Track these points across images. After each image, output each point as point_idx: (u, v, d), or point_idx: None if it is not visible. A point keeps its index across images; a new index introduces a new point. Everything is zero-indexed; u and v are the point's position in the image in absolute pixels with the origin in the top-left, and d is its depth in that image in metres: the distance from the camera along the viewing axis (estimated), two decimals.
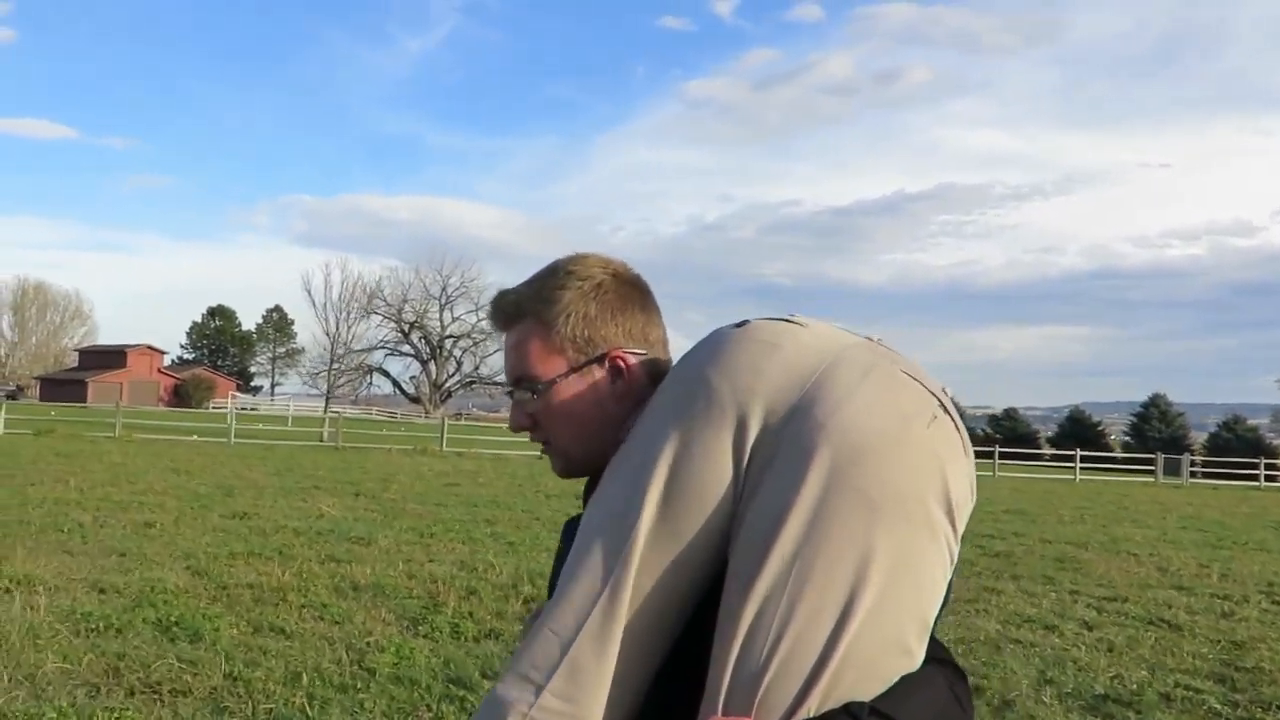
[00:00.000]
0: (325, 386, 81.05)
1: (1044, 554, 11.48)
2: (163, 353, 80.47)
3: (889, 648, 1.09)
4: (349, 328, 78.38)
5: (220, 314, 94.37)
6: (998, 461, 33.45)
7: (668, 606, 1.16)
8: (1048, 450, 47.75)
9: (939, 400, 1.19)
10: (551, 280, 1.35)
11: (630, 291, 1.38)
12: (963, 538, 1.16)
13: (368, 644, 5.69)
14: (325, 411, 44.70)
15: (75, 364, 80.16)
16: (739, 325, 1.25)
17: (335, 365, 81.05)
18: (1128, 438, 52.93)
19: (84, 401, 62.81)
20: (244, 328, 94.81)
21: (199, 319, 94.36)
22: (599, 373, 1.33)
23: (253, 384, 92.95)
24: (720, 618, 1.13)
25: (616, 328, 1.35)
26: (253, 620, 6.11)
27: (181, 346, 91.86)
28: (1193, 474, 35.52)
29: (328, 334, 77.25)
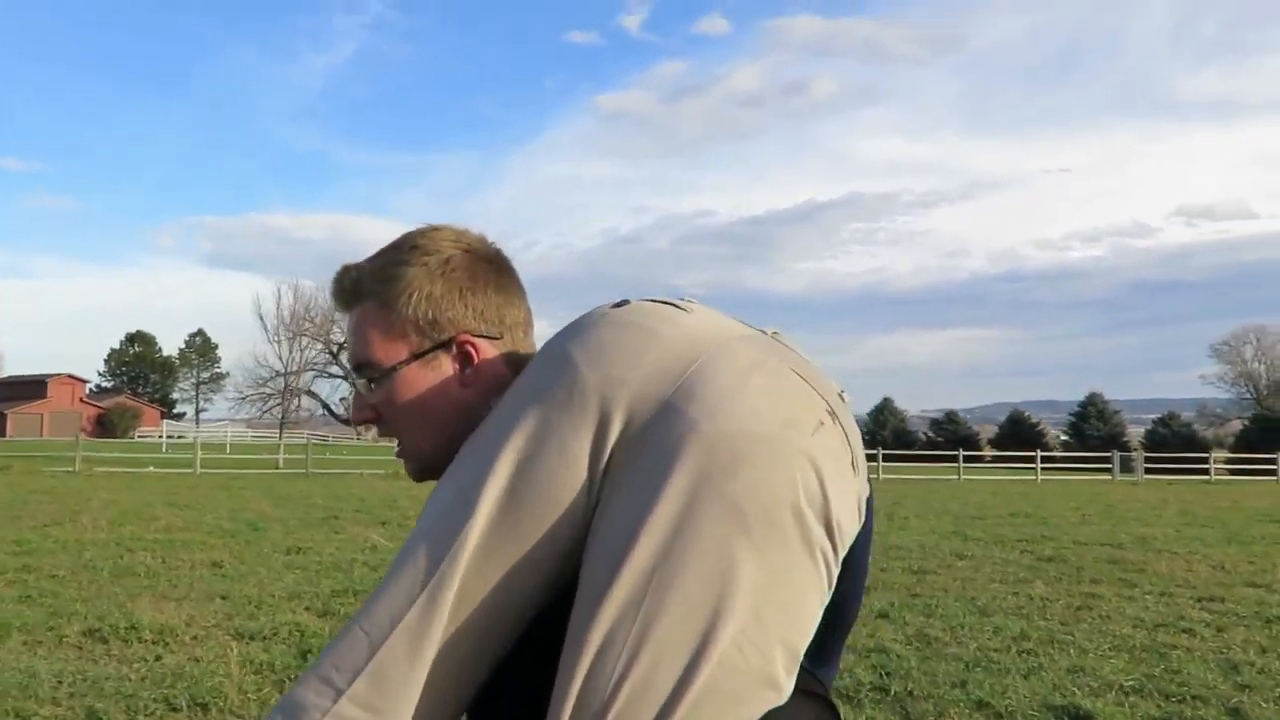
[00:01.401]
0: (252, 412, 79.21)
1: (1094, 556, 11.65)
2: (84, 381, 77.85)
3: (753, 679, 0.98)
4: (300, 350, 76.49)
5: (140, 340, 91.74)
6: (961, 465, 33.95)
7: (498, 616, 1.04)
8: (988, 452, 48.75)
9: (829, 406, 1.08)
10: (395, 256, 1.23)
11: (484, 268, 1.24)
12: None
13: None
14: (280, 438, 43.60)
15: None
16: (617, 305, 1.14)
17: (263, 389, 79.25)
18: (1066, 437, 54.29)
19: (2, 434, 60.46)
20: (164, 353, 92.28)
21: (117, 345, 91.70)
22: (446, 359, 1.21)
23: (174, 410, 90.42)
24: (567, 637, 1.01)
25: (466, 309, 1.22)
26: None
27: (100, 374, 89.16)
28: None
29: (280, 357, 75.25)
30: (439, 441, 1.19)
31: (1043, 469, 34.21)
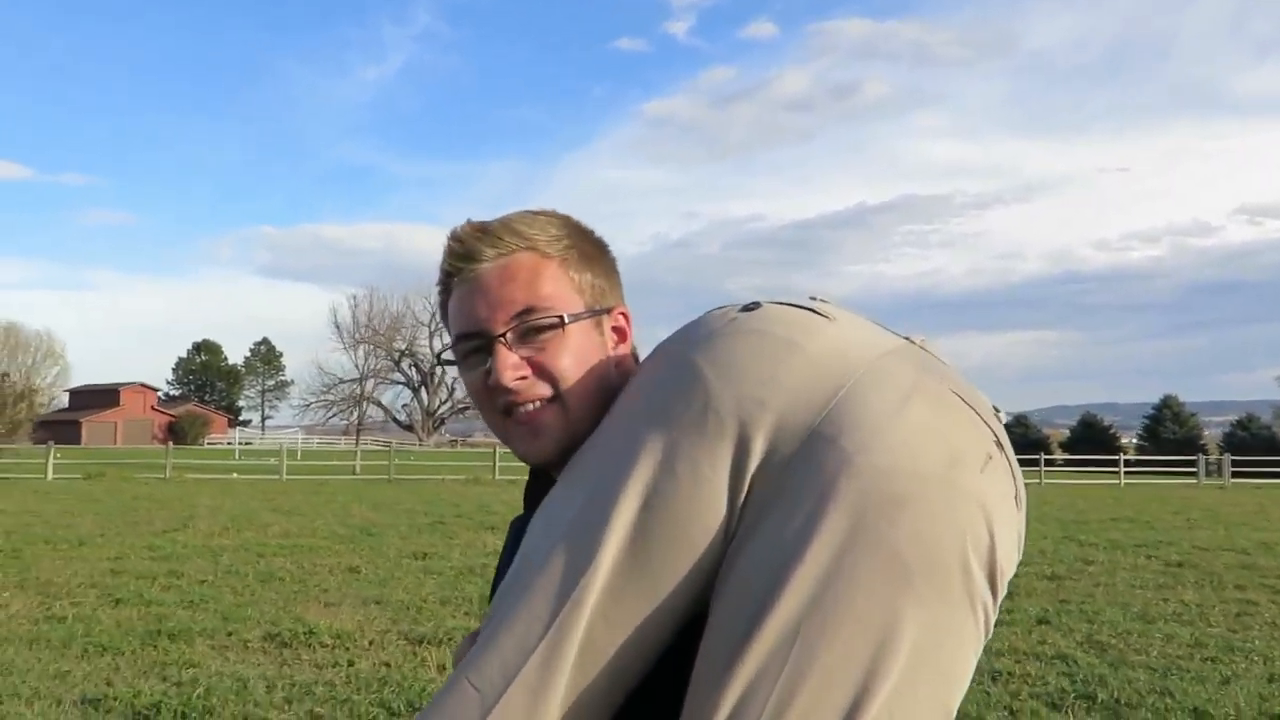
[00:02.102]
0: (316, 419, 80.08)
1: (1224, 562, 11.40)
2: (155, 390, 79.35)
3: None
4: (368, 357, 77.12)
5: (206, 349, 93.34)
6: (1043, 469, 33.47)
7: (625, 667, 0.92)
8: (1060, 456, 48.02)
9: (995, 435, 0.95)
10: (539, 217, 1.11)
11: (609, 253, 1.17)
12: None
13: None
14: (357, 444, 43.99)
15: (66, 404, 78.89)
16: (746, 309, 1.00)
17: (326, 396, 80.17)
18: (1142, 440, 53.30)
19: (78, 442, 61.70)
20: (229, 361, 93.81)
21: (184, 354, 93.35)
22: (607, 329, 1.11)
23: (240, 417, 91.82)
24: (694, 684, 0.90)
25: (618, 287, 1.15)
26: None
27: (168, 382, 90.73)
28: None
29: (356, 365, 75.83)
30: (591, 409, 1.05)
31: (1124, 472, 33.55)
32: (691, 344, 0.98)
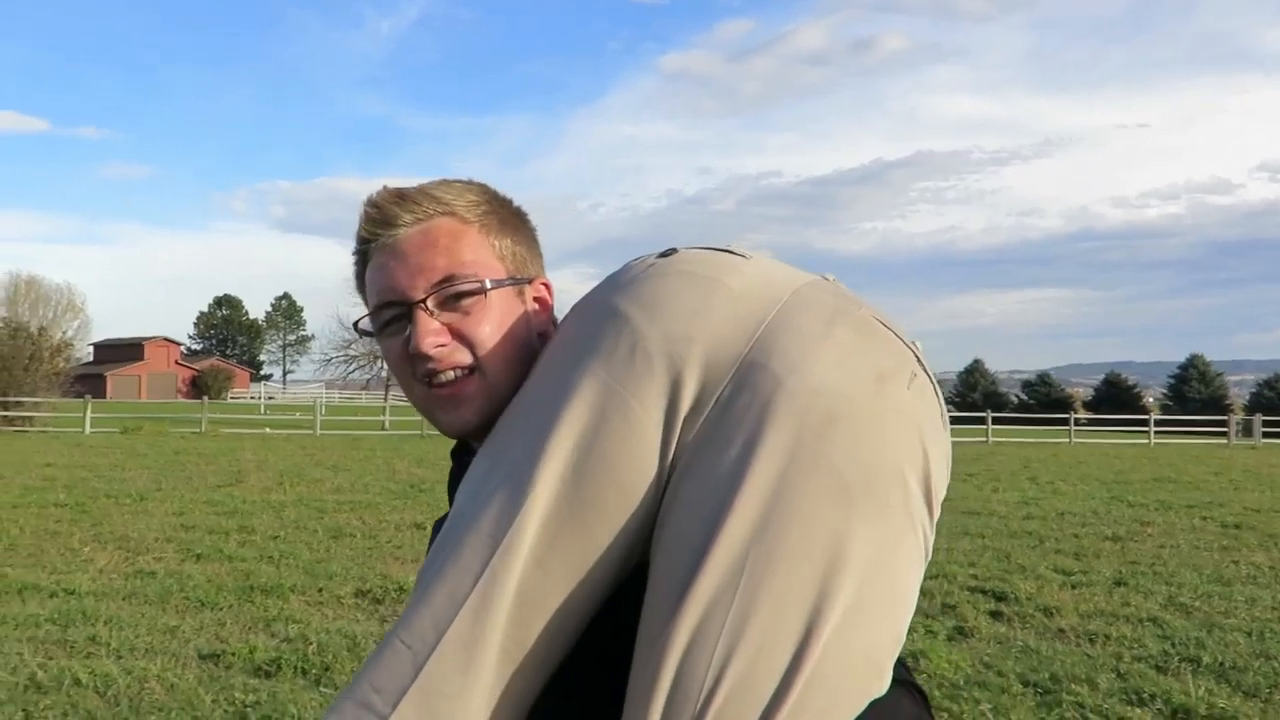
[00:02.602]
0: (336, 374, 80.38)
1: None
2: (179, 344, 79.78)
3: (860, 667, 0.86)
4: None
5: (227, 303, 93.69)
6: (1073, 428, 33.39)
7: (566, 615, 0.91)
8: (1084, 414, 47.92)
9: (917, 356, 0.96)
10: (458, 185, 1.10)
11: (530, 223, 1.16)
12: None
13: None
14: (386, 400, 43.99)
15: (90, 358, 79.41)
16: (664, 254, 1.00)
17: (347, 350, 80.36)
18: (1167, 400, 53.13)
19: (103, 395, 62.11)
20: (250, 316, 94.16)
21: (205, 309, 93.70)
22: (529, 298, 1.10)
23: (261, 372, 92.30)
24: (643, 630, 0.89)
25: (538, 257, 1.14)
26: None
27: (190, 337, 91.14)
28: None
29: None
30: (513, 378, 1.03)
31: (1155, 432, 33.45)
32: (614, 290, 0.98)
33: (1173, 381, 53.40)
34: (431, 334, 1.02)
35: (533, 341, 1.07)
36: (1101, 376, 56.77)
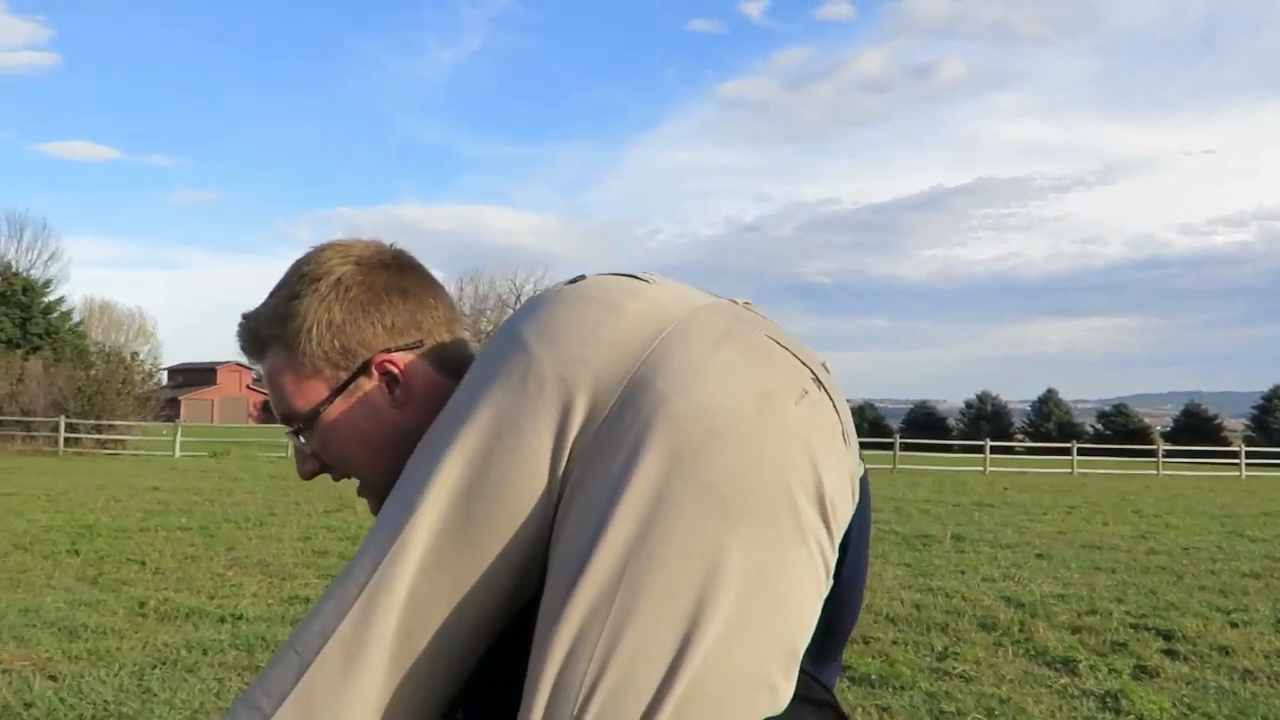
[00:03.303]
0: None
1: None
2: (250, 369, 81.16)
3: (744, 682, 0.86)
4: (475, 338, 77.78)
5: None
6: (1161, 460, 32.65)
7: (455, 626, 0.93)
8: (1168, 446, 46.89)
9: (812, 373, 0.97)
10: (286, 291, 1.12)
11: (383, 277, 1.13)
12: None
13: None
14: None
15: (164, 382, 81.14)
16: (572, 281, 1.03)
17: None
18: (1249, 430, 51.85)
19: (175, 418, 63.35)
20: None
21: None
22: (369, 385, 1.10)
23: None
24: (535, 641, 0.89)
25: (374, 326, 1.10)
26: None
27: None
28: None
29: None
30: (393, 471, 1.05)
31: (1246, 464, 32.61)
32: (521, 317, 1.01)
33: (1255, 412, 52.14)
34: (301, 465, 1.15)
35: (388, 426, 1.10)
36: (1167, 406, 55.61)
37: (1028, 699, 5.03)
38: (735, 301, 1.04)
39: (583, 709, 0.84)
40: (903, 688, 5.17)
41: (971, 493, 19.89)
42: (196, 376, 76.07)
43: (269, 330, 1.12)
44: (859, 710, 4.78)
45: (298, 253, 1.17)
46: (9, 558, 8.64)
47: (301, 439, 1.12)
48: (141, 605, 6.74)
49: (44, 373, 27.45)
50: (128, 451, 26.64)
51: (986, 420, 54.24)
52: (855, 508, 0.99)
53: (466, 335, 1.19)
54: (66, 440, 25.92)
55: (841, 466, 0.95)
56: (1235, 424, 58.85)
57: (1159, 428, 57.32)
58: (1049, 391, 58.10)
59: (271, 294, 1.15)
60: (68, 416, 26.20)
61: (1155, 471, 31.22)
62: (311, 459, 1.13)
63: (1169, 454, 33.14)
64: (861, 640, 6.28)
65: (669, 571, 0.86)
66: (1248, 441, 48.10)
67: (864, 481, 1.03)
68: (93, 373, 28.98)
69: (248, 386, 77.29)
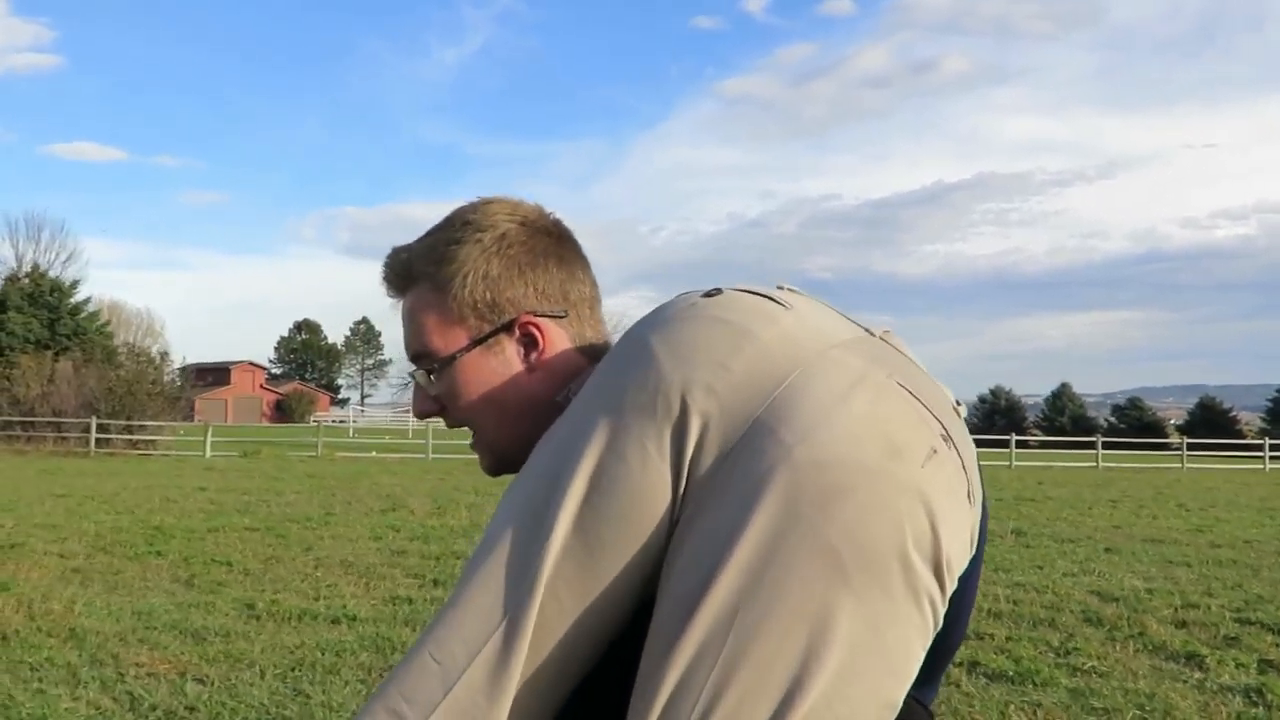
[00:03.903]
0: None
1: None
2: (264, 369, 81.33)
3: None
4: None
5: (306, 328, 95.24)
6: (1185, 454, 32.68)
7: (578, 645, 0.93)
8: (1175, 439, 46.87)
9: (943, 428, 0.94)
10: (446, 234, 1.12)
11: (544, 242, 1.13)
12: None
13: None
14: None
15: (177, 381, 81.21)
16: (708, 295, 1.00)
17: None
18: (1265, 423, 51.82)
19: (190, 418, 63.44)
20: (329, 340, 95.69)
21: (285, 333, 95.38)
22: (509, 344, 1.10)
23: (339, 396, 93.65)
24: (640, 673, 0.90)
25: (527, 287, 1.11)
26: None
27: (270, 361, 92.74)
28: None
29: None
30: (514, 433, 1.09)
31: (1270, 457, 32.61)
32: (652, 327, 0.99)
33: (1269, 405, 52.11)
34: (419, 403, 1.14)
35: (518, 389, 1.10)
36: (1169, 400, 55.65)
37: (1172, 694, 5.05)
38: (873, 333, 1.02)
39: None
40: (1043, 684, 5.19)
41: (1007, 488, 19.89)
42: (210, 376, 76.13)
43: (422, 267, 1.12)
44: (1010, 707, 4.80)
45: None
46: (94, 559, 8.68)
47: (431, 378, 1.12)
48: (250, 606, 6.77)
49: (74, 374, 27.48)
50: (158, 452, 26.68)
51: (1001, 415, 54.21)
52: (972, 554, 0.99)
53: (606, 324, 1.19)
54: (98, 441, 25.98)
55: (963, 526, 0.94)
56: (1245, 417, 58.75)
57: (1174, 421, 57.32)
58: (1063, 385, 58.05)
59: (428, 234, 1.15)
60: (98, 417, 26.25)
61: (1180, 465, 31.23)
62: (432, 401, 1.13)
63: (1191, 447, 33.02)
64: (975, 636, 6.30)
65: (778, 624, 0.86)
66: (1263, 434, 48.12)
67: (983, 524, 1.02)
68: (122, 373, 28.99)
69: (260, 386, 77.41)
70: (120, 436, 26.63)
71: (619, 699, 0.94)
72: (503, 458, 1.13)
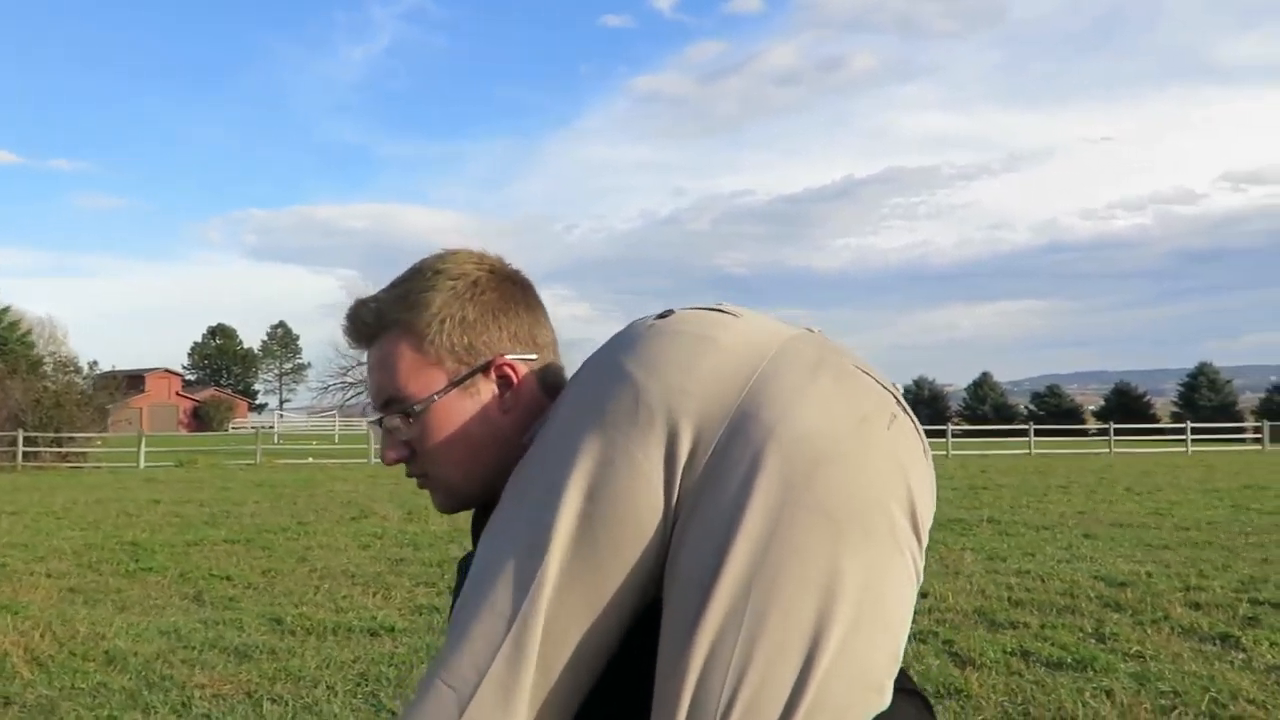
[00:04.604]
0: (334, 401, 79.91)
1: None
2: (180, 375, 79.03)
3: (861, 686, 0.94)
4: None
5: (221, 332, 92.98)
6: (1113, 439, 33.68)
7: (583, 654, 0.98)
8: (1092, 425, 48.32)
9: (896, 398, 1.06)
10: (418, 283, 1.15)
11: (512, 289, 1.19)
12: None
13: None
14: None
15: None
16: (661, 316, 1.09)
17: (344, 377, 79.96)
18: (1176, 407, 53.66)
19: (104, 428, 61.50)
20: (244, 345, 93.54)
21: (199, 339, 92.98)
22: (484, 385, 1.14)
23: (257, 402, 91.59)
24: (661, 663, 0.96)
25: (500, 330, 1.16)
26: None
27: (184, 368, 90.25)
28: None
29: None
30: (473, 472, 1.13)
31: (1191, 441, 33.78)
32: (615, 350, 1.05)
33: (1182, 390, 53.99)
34: (388, 449, 1.14)
35: (491, 428, 1.13)
36: (1074, 386, 57.34)
37: (1229, 675, 5.21)
38: (810, 330, 1.09)
39: (727, 712, 0.89)
40: (1104, 670, 5.32)
41: (955, 476, 20.29)
42: (124, 383, 73.72)
43: (395, 314, 1.14)
44: (1086, 694, 4.91)
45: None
46: (85, 578, 8.38)
47: (407, 422, 1.13)
48: (278, 621, 6.61)
49: None
50: (89, 464, 25.81)
51: (925, 405, 55.23)
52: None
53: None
54: (25, 455, 25.01)
55: (925, 479, 1.03)
56: (1170, 401, 60.71)
57: (1091, 407, 59.01)
58: (984, 375, 59.41)
59: (396, 285, 1.17)
60: (25, 430, 25.28)
61: (1108, 450, 32.17)
62: (401, 446, 1.14)
63: (1118, 433, 34.05)
64: (1009, 624, 6.44)
65: (792, 589, 0.92)
66: (1174, 418, 49.86)
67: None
68: (48, 384, 27.95)
69: (176, 393, 75.23)
70: (49, 449, 25.70)
71: (627, 702, 0.99)
72: (461, 496, 1.15)
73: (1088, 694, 4.90)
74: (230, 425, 67.01)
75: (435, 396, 1.12)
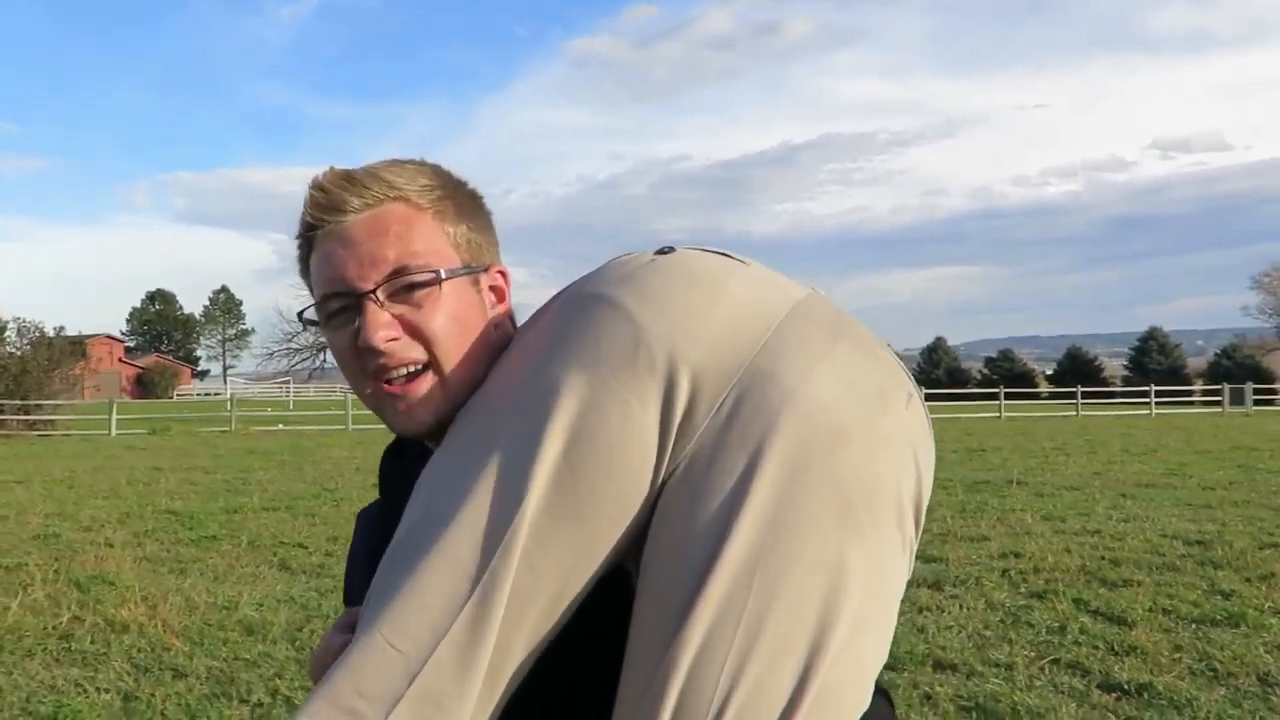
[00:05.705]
0: (280, 367, 78.80)
1: None
2: (123, 341, 77.23)
3: (860, 679, 0.87)
4: None
5: (160, 298, 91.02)
6: (1080, 402, 34.34)
7: (550, 616, 0.88)
8: (1045, 389, 49.32)
9: (908, 375, 0.98)
10: (410, 167, 1.04)
11: (482, 203, 1.10)
12: None
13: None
14: (348, 397, 43.16)
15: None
16: (662, 251, 0.97)
17: (289, 344, 78.80)
18: (1127, 371, 54.92)
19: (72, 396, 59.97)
20: (184, 311, 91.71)
21: (137, 304, 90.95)
22: (485, 288, 1.05)
23: (199, 368, 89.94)
24: (636, 652, 0.87)
25: (493, 244, 1.08)
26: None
27: (123, 334, 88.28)
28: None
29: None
30: (474, 372, 0.99)
31: (1155, 403, 34.55)
32: (610, 284, 0.94)
33: (1132, 353, 55.24)
34: (382, 327, 0.97)
35: (490, 334, 1.02)
36: (1009, 350, 58.63)
37: None
38: (816, 290, 1.00)
39: (720, 713, 0.81)
40: (1257, 627, 5.39)
41: (943, 441, 20.50)
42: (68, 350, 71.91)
43: (413, 190, 1.01)
44: (1270, 657, 4.96)
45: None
46: (143, 547, 8.13)
47: (410, 297, 0.98)
48: None
49: None
50: (59, 433, 25.12)
51: None
52: None
53: None
54: None
55: (930, 464, 0.96)
56: (1120, 365, 62.05)
57: (1044, 371, 60.22)
58: (938, 340, 60.35)
59: (395, 166, 1.03)
60: None
61: (1075, 413, 32.80)
62: (396, 325, 0.97)
63: (1085, 396, 34.74)
64: (1124, 583, 6.50)
65: (800, 573, 0.83)
66: (1125, 381, 51.06)
67: None
68: (15, 351, 27.10)
69: (119, 360, 73.50)
70: (16, 418, 24.96)
71: (583, 672, 0.91)
72: (452, 399, 0.99)
73: (1272, 658, 4.94)
74: (175, 392, 65.76)
75: (456, 273, 1.00)
